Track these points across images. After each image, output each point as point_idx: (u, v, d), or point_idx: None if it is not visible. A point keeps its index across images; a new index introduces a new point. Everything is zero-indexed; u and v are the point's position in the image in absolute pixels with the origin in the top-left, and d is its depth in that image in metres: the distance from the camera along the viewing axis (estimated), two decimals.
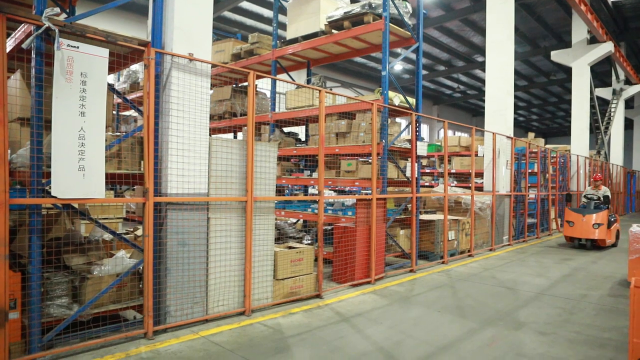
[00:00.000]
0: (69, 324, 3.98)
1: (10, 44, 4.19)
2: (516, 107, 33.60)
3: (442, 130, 28.84)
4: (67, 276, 4.28)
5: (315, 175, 8.36)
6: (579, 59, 18.14)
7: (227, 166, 5.03)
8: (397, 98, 7.89)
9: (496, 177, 10.65)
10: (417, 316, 5.29)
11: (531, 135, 17.25)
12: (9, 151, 3.61)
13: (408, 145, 8.05)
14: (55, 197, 3.75)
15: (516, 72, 22.46)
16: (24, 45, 3.84)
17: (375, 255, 6.81)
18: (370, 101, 7.01)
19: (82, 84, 3.87)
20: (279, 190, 6.22)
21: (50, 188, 3.73)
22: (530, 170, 12.91)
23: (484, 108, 12.13)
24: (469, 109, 37.02)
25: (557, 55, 18.85)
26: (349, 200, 8.50)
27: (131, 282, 4.61)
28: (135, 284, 4.65)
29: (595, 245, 10.67)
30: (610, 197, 11.13)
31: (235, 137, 10.53)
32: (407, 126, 8.15)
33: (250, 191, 5.09)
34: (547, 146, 15.85)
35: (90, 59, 3.92)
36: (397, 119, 8.92)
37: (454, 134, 29.23)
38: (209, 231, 4.88)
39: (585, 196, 11.33)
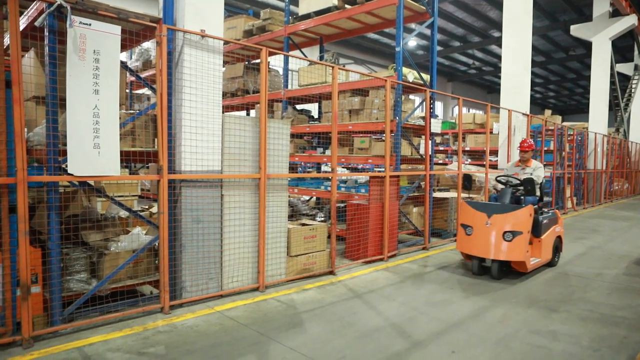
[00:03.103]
0: (88, 298, 4.08)
1: (23, 22, 4.20)
2: (533, 84, 32.90)
3: (457, 107, 28.45)
4: (85, 252, 4.37)
5: (328, 152, 8.33)
6: (600, 33, 17.58)
7: (240, 143, 5.03)
8: (411, 74, 7.77)
9: (511, 155, 10.52)
10: (429, 293, 5.31)
11: (548, 112, 16.94)
12: (25, 129, 3.65)
13: (422, 123, 7.96)
14: (71, 175, 3.81)
15: (534, 48, 21.87)
16: (36, 23, 3.84)
17: (388, 232, 6.82)
18: (383, 77, 6.92)
19: (95, 61, 3.87)
20: (292, 168, 6.22)
21: (66, 166, 3.78)
22: (546, 148, 12.72)
23: (499, 85, 11.91)
24: (484, 85, 36.38)
25: (577, 30, 18.29)
26: (362, 177, 8.49)
27: (147, 258, 4.69)
28: (151, 259, 4.73)
29: (512, 270, 6.11)
30: (543, 182, 6.82)
31: (247, 114, 10.51)
32: (421, 103, 8.04)
33: (263, 168, 5.10)
34: (564, 124, 15.57)
35: (102, 36, 3.90)
36: (411, 96, 8.79)
37: (468, 111, 28.84)
38: (222, 208, 4.92)
39: (498, 179, 6.84)
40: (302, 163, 10.06)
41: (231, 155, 4.97)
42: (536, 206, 6.29)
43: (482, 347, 3.85)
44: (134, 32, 4.53)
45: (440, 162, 15.12)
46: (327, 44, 10.02)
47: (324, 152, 8.63)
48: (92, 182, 4.37)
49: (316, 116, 9.66)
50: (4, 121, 3.58)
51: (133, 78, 8.07)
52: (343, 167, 12.16)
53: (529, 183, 6.10)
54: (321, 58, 9.61)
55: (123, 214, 5.37)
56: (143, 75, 8.61)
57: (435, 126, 7.93)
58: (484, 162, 9.77)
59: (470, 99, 9.67)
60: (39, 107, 4.28)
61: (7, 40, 3.89)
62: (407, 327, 4.24)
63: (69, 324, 3.94)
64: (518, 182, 6.44)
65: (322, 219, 8.16)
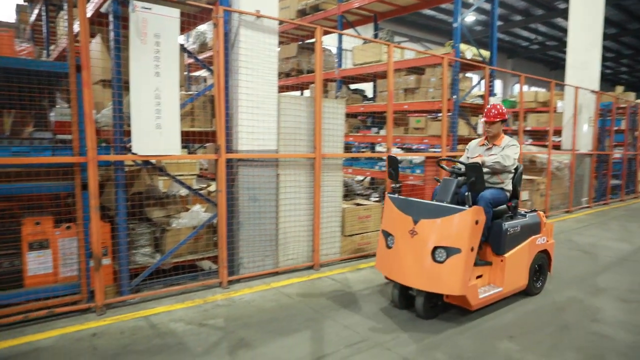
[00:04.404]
0: (152, 271, 4.31)
1: (90, 10, 4.40)
2: (603, 59, 30.78)
3: (517, 85, 27.13)
4: (149, 228, 4.60)
5: (382, 132, 8.23)
6: None
7: (295, 123, 5.07)
8: (469, 51, 7.47)
9: (577, 135, 9.95)
10: None
11: (619, 89, 15.78)
12: (94, 111, 3.85)
13: (480, 101, 7.66)
14: (135, 154, 3.99)
15: (605, 19, 20.46)
16: (102, 10, 4.02)
17: None
18: (440, 55, 6.70)
19: (156, 44, 3.99)
20: (346, 148, 6.20)
21: (131, 146, 3.96)
22: (616, 128, 11.90)
23: (564, 60, 11.17)
24: (548, 61, 34.38)
25: None
26: (417, 157, 8.33)
27: (206, 235, 4.87)
28: (210, 236, 4.90)
29: (445, 303, 4.03)
30: (519, 168, 4.50)
31: (301, 95, 10.55)
32: (480, 81, 7.74)
33: (318, 148, 5.12)
34: (639, 101, 14.47)
35: (162, 19, 4.01)
36: (469, 74, 8.46)
37: (529, 89, 27.46)
38: (278, 187, 5.00)
39: (441, 165, 4.67)
40: (356, 143, 10.02)
41: (287, 135, 5.02)
42: (504, 206, 4.36)
43: None
44: (191, 15, 4.63)
45: None
46: (381, 21, 9.81)
47: (378, 132, 8.53)
48: (154, 161, 4.56)
49: (370, 95, 9.54)
50: (76, 104, 3.79)
51: (191, 60, 8.30)
52: (397, 148, 11.99)
53: (473, 171, 3.78)
54: (375, 36, 9.43)
55: (183, 192, 5.58)
56: (200, 57, 8.81)
57: None
58: (547, 143, 9.30)
59: (533, 76, 9.18)
60: (106, 90, 4.49)
61: (76, 27, 4.09)
62: None
63: (136, 295, 4.19)
64: (470, 167, 3.94)
65: (377, 199, 8.11)
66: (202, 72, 11.30)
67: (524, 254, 4.37)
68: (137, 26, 3.87)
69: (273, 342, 3.44)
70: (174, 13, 4.10)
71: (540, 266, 4.68)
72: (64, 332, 3.51)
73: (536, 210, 4.66)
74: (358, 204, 6.10)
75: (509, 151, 4.40)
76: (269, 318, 3.88)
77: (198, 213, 4.89)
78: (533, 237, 4.47)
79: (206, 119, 4.74)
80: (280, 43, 9.45)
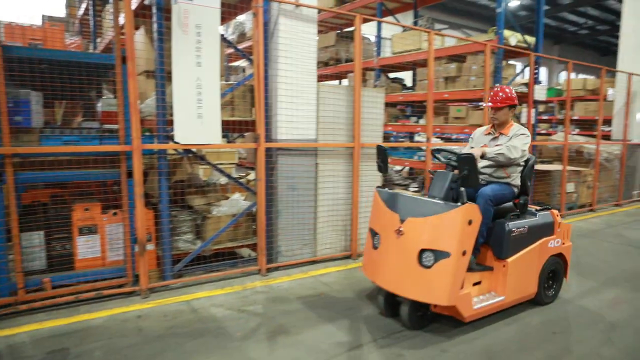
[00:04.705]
0: (193, 258, 4.43)
1: (134, 2, 4.51)
2: None
3: (563, 73, 26.06)
4: (191, 215, 4.71)
5: (422, 121, 8.10)
6: None
7: (334, 112, 5.06)
8: (513, 38, 7.20)
9: (629, 124, 9.46)
10: None
11: None
12: (138, 101, 3.97)
13: (524, 90, 7.40)
14: (178, 143, 4.09)
15: None
16: (146, 2, 4.11)
17: None
18: (483, 42, 6.51)
19: (197, 35, 4.05)
20: (385, 137, 6.13)
21: (173, 135, 4.06)
22: None
23: (616, 46, 10.61)
24: (597, 47, 32.76)
25: None
26: (458, 147, 8.16)
27: (246, 223, 4.95)
28: (249, 224, 4.98)
29: (434, 314, 3.56)
30: (531, 160, 4.05)
31: (339, 84, 10.49)
32: (524, 68, 7.47)
33: (357, 137, 5.10)
34: None
35: (203, 10, 4.07)
36: (512, 61, 8.19)
37: (577, 77, 26.30)
38: (317, 176, 5.02)
39: (437, 155, 3.96)
40: (395, 132, 9.91)
41: (325, 124, 5.01)
42: (510, 204, 3.98)
43: None
44: (231, 5, 4.67)
45: (543, 132, 14.04)
46: (421, 8, 9.60)
47: (417, 122, 8.40)
48: (195, 150, 4.66)
49: (409, 84, 9.39)
50: (121, 94, 3.92)
51: (230, 50, 8.39)
52: (437, 137, 11.79)
53: (465, 163, 3.27)
54: (415, 24, 9.24)
55: (223, 180, 5.68)
56: (239, 47, 8.89)
57: (540, 93, 7.31)
58: (595, 133, 8.90)
59: (582, 62, 8.78)
60: (149, 81, 4.61)
61: (121, 20, 4.21)
62: None
63: (178, 280, 4.32)
64: (462, 158, 3.40)
65: (416, 189, 8.01)
66: (241, 62, 11.42)
67: (532, 258, 3.81)
68: (179, 17, 3.94)
69: (311, 330, 3.47)
70: (215, 3, 4.14)
71: (554, 272, 4.12)
72: (112, 313, 3.67)
73: (549, 209, 4.09)
74: None
75: (516, 141, 3.82)
76: (307, 306, 3.92)
77: (238, 201, 4.98)
78: (544, 239, 3.89)
79: (246, 109, 4.79)
80: (319, 32, 9.42)
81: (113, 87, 4.18)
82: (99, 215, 4.07)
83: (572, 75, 8.70)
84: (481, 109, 6.78)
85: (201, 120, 4.13)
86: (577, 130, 12.84)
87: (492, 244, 3.69)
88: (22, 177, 3.63)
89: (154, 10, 4.00)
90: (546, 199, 8.23)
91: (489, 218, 3.62)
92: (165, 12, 4.00)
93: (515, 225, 3.68)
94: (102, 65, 4.08)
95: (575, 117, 12.58)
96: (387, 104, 8.66)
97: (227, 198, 5.13)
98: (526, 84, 7.53)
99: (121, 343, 3.20)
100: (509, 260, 3.63)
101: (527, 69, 7.39)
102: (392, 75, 9.51)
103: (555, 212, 4.06)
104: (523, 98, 7.49)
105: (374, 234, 3.69)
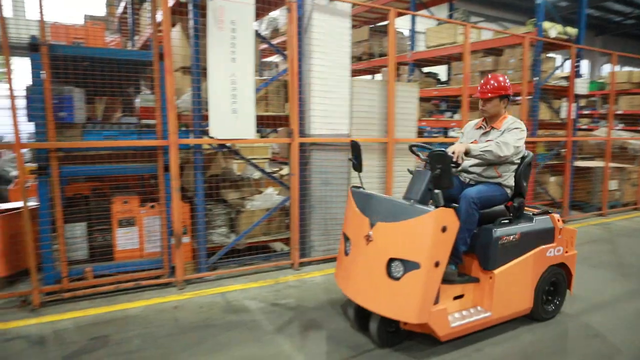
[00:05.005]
0: (227, 251, 4.50)
1: (171, 0, 4.60)
2: None
3: (606, 65, 25.03)
4: (225, 209, 4.79)
5: (456, 116, 7.96)
6: None
7: (368, 107, 5.03)
8: (553, 29, 6.96)
9: None
10: None
11: None
12: (175, 97, 4.05)
13: (564, 83, 7.16)
14: (213, 138, 4.16)
15: None
16: None
17: None
18: (521, 34, 6.32)
19: (232, 31, 4.10)
20: (419, 132, 6.06)
21: (208, 130, 4.13)
22: None
23: None
24: None
25: None
26: None
27: (279, 217, 4.99)
28: (282, 218, 5.02)
29: (404, 331, 3.13)
30: (527, 157, 3.53)
31: (372, 79, 10.42)
32: (564, 61, 7.22)
33: (390, 132, 5.05)
34: None
35: (238, 6, 4.11)
36: (552, 54, 7.91)
37: (621, 69, 25.22)
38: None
39: (413, 150, 3.81)
40: (429, 128, 9.77)
41: (359, 119, 4.99)
42: (502, 207, 3.56)
43: None
44: (265, 1, 4.69)
45: (584, 127, 13.55)
46: (456, 1, 9.42)
47: (452, 117, 8.26)
48: (229, 145, 4.72)
49: (444, 79, 9.23)
50: (159, 90, 4.01)
51: (264, 46, 8.45)
52: None
53: (437, 161, 2.85)
54: (450, 17, 9.08)
55: (256, 175, 5.75)
56: (272, 43, 8.95)
57: (581, 87, 7.04)
58: None
59: (628, 54, 8.41)
60: (185, 77, 4.70)
61: (158, 17, 4.30)
62: None
63: (212, 272, 4.40)
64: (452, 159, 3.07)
65: None
66: (274, 58, 11.49)
67: (525, 269, 3.35)
68: (214, 14, 4.00)
69: (343, 324, 3.48)
70: (249, 0, 4.18)
71: (555, 284, 3.64)
72: (149, 303, 3.78)
73: (549, 213, 3.58)
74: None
75: (508, 136, 3.35)
76: (339, 300, 3.93)
77: (271, 196, 5.02)
78: (542, 247, 3.43)
79: (279, 104, 4.82)
80: (353, 27, 9.38)
81: (151, 83, 4.28)
82: (137, 208, 4.19)
83: (617, 68, 8.35)
84: (518, 104, 6.60)
85: (236, 115, 4.19)
86: (621, 126, 12.34)
87: (478, 252, 3.28)
88: (65, 170, 3.78)
89: (190, 7, 4.08)
90: (587, 197, 7.96)
91: (473, 223, 3.20)
92: (200, 9, 4.07)
93: (504, 232, 3.24)
94: (140, 62, 4.19)
95: (619, 112, 12.09)
96: (421, 99, 8.54)
97: (260, 192, 5.19)
98: (566, 78, 7.27)
99: (158, 332, 3.30)
100: (496, 271, 3.19)
101: (568, 62, 7.13)
102: (426, 69, 9.36)
103: (556, 216, 3.58)
104: (562, 92, 7.25)
105: (346, 239, 3.34)
